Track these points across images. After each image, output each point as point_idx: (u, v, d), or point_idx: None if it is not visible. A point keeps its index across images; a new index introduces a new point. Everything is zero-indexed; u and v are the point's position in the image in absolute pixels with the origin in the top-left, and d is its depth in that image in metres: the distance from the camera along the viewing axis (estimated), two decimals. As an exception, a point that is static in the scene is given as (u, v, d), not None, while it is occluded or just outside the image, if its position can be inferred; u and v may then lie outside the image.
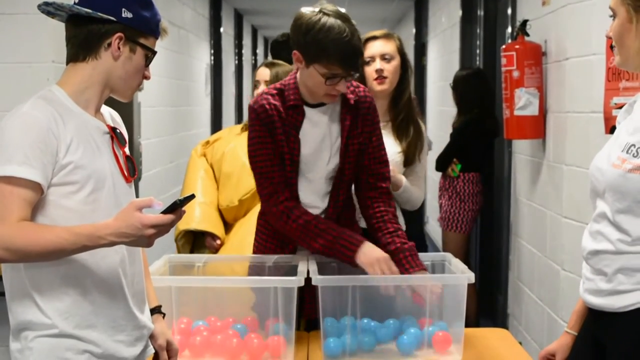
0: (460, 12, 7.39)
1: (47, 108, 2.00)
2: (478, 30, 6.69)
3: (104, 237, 1.93)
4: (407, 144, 3.36)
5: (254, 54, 16.16)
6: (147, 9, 2.12)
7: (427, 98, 9.79)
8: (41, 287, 2.01)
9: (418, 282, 2.73)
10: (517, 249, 5.06)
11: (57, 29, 3.79)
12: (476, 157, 5.52)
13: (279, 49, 4.40)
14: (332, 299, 2.65)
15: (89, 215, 2.02)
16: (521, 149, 4.95)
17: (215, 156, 3.88)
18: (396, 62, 3.37)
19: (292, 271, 2.77)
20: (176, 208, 1.98)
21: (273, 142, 2.84)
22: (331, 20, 2.72)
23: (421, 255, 2.96)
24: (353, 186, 3.01)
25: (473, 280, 2.66)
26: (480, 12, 6.65)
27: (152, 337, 2.28)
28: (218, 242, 3.76)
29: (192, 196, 2.03)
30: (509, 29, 5.21)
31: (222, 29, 10.13)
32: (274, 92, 2.89)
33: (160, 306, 2.38)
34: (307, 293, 2.82)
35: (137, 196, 2.21)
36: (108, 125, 2.16)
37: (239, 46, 12.80)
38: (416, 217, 5.90)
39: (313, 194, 2.92)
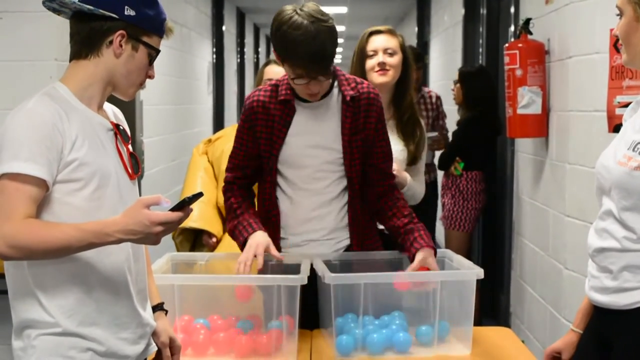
0: (463, 11, 7.39)
1: (52, 105, 2.00)
2: (481, 29, 6.69)
3: (111, 234, 1.93)
4: (415, 145, 3.37)
5: (256, 52, 16.17)
6: (152, 8, 2.11)
7: (430, 97, 9.77)
8: (44, 285, 2.01)
9: (424, 279, 2.74)
10: (519, 248, 5.06)
11: (59, 27, 3.82)
12: (479, 155, 5.51)
13: None
14: (343, 296, 2.65)
15: (93, 212, 2.02)
16: (524, 148, 4.95)
17: (215, 154, 3.89)
18: (398, 57, 3.39)
19: (295, 269, 2.77)
20: (184, 206, 1.98)
21: (251, 135, 2.92)
22: (298, 20, 2.70)
23: None
24: None
25: (482, 276, 2.66)
26: (483, 11, 6.64)
27: (154, 334, 2.27)
28: (214, 239, 3.79)
29: (200, 194, 2.03)
30: (512, 28, 5.21)
31: (224, 27, 10.13)
32: (269, 87, 2.93)
33: (162, 303, 2.38)
34: (309, 291, 2.82)
35: (140, 194, 2.20)
36: (112, 122, 2.16)
37: (241, 44, 12.79)
38: (426, 218, 5.91)
39: (308, 191, 2.92)
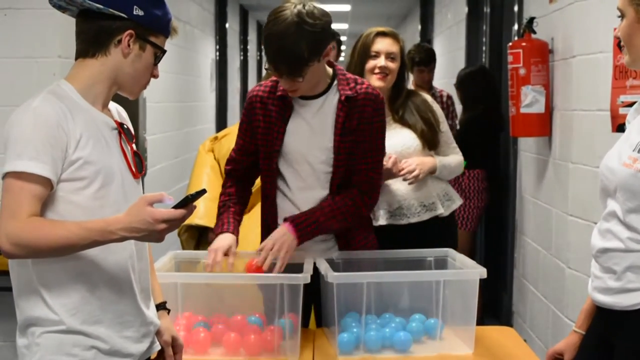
0: (466, 9, 7.38)
1: (57, 103, 2.00)
2: (484, 28, 6.68)
3: (115, 232, 1.93)
4: (419, 128, 3.39)
5: (259, 49, 16.15)
6: (159, 8, 2.11)
7: (433, 95, 9.78)
8: (49, 283, 2.01)
9: (419, 279, 2.76)
10: (522, 247, 5.06)
11: (63, 24, 3.82)
12: (480, 154, 5.51)
13: None
14: (346, 295, 2.66)
15: (97, 211, 2.02)
16: (527, 147, 4.94)
17: (221, 152, 3.89)
18: (398, 62, 3.42)
19: (298, 268, 2.77)
20: (187, 203, 1.98)
21: (249, 130, 2.95)
22: (285, 15, 2.68)
23: (423, 250, 3.04)
24: None
25: (485, 275, 2.67)
26: (487, 9, 6.63)
27: (157, 332, 2.27)
28: None
29: (204, 191, 2.03)
30: (516, 26, 5.20)
31: (227, 25, 10.12)
32: (269, 83, 2.94)
33: (165, 302, 2.38)
34: (312, 290, 2.82)
35: (143, 192, 2.20)
36: (116, 121, 2.16)
37: (244, 42, 12.79)
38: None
39: (307, 189, 2.91)
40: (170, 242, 4.04)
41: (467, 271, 2.77)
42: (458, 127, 5.86)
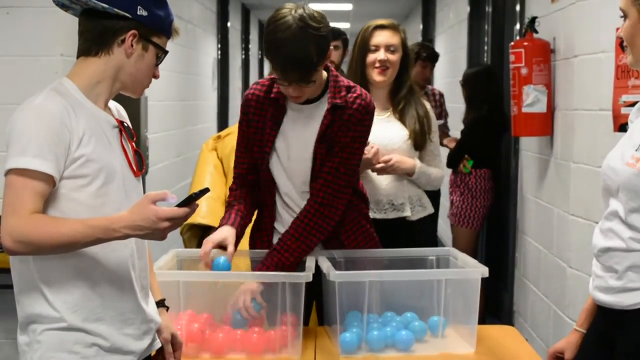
0: (468, 9, 7.38)
1: (61, 101, 2.00)
2: (486, 27, 6.68)
3: (118, 230, 1.94)
4: (412, 128, 3.37)
5: (261, 48, 16.14)
6: (162, 9, 2.12)
7: (434, 94, 9.77)
8: (50, 280, 2.01)
9: (421, 278, 2.76)
10: (523, 246, 5.06)
11: (65, 22, 3.82)
12: (487, 153, 5.52)
13: None
14: (348, 294, 2.66)
15: (98, 209, 2.02)
16: (528, 146, 4.94)
17: (224, 150, 3.89)
18: (399, 54, 3.39)
19: (299, 266, 2.78)
20: (191, 202, 1.99)
21: (245, 128, 2.91)
22: (289, 22, 2.63)
23: (425, 249, 3.05)
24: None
25: (487, 275, 2.67)
26: (489, 9, 6.63)
27: (157, 330, 2.28)
28: None
29: (207, 190, 2.03)
30: (517, 26, 5.20)
31: (229, 24, 10.12)
32: (266, 82, 2.90)
33: (164, 299, 2.38)
34: (313, 289, 2.82)
35: (144, 190, 2.21)
36: (117, 119, 2.17)
37: (245, 41, 12.79)
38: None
39: (299, 193, 2.90)
40: (172, 240, 4.04)
41: (469, 270, 2.78)
42: (455, 127, 5.87)
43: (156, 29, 2.11)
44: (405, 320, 2.79)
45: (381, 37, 3.39)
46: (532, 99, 4.33)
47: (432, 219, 3.95)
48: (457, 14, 8.13)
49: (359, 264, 2.92)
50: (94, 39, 2.08)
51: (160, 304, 2.36)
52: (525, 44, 4.40)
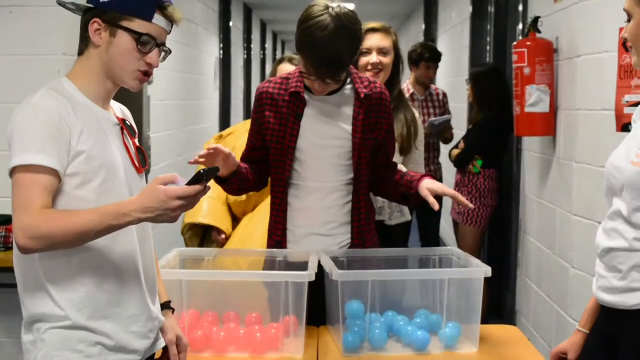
0: (470, 8, 7.38)
1: (58, 97, 2.01)
2: (489, 27, 6.68)
3: (129, 214, 1.92)
4: (400, 133, 3.40)
5: (263, 48, 16.17)
6: None
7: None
8: (55, 279, 2.01)
9: (424, 277, 2.77)
10: (526, 246, 5.06)
11: (68, 22, 3.82)
12: (497, 153, 5.52)
13: None
14: (351, 293, 2.66)
15: (102, 205, 2.01)
16: (531, 146, 4.94)
17: (226, 150, 3.88)
18: (391, 56, 3.43)
19: (302, 266, 2.77)
20: (201, 180, 1.94)
21: (256, 126, 2.95)
22: (327, 21, 2.68)
23: (428, 249, 3.06)
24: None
25: (490, 274, 2.67)
26: (491, 9, 6.63)
27: (162, 331, 2.28)
28: (223, 236, 3.78)
29: (217, 169, 2.02)
30: (520, 26, 5.20)
31: (231, 23, 10.13)
32: (279, 80, 2.94)
33: (169, 301, 2.38)
34: (316, 287, 2.82)
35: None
36: (118, 117, 2.17)
37: (248, 40, 12.80)
38: (433, 215, 5.92)
39: (319, 187, 2.92)
40: (174, 240, 4.04)
41: (472, 270, 2.78)
42: (460, 127, 5.87)
43: (125, 11, 2.05)
44: (406, 319, 2.79)
45: (373, 41, 3.42)
46: (535, 99, 4.33)
47: (408, 227, 4.01)
48: (460, 13, 8.13)
49: (362, 264, 2.92)
50: (80, 37, 2.10)
51: (166, 306, 2.35)
52: (528, 44, 4.40)
